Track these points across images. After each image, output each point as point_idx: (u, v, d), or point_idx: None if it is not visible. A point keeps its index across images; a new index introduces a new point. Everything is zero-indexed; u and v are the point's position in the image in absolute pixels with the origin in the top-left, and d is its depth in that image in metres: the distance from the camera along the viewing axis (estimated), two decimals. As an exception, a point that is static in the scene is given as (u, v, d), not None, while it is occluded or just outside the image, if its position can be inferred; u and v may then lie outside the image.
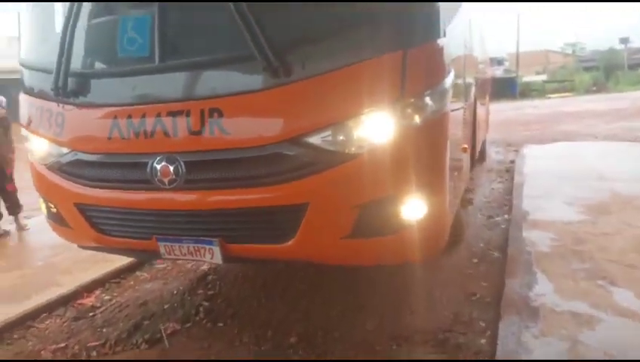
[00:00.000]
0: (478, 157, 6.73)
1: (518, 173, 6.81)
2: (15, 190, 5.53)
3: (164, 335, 3.01)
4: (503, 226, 4.79)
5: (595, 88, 42.60)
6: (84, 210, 2.76)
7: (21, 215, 5.59)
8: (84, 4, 2.51)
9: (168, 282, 3.92)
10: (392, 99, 2.16)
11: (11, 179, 5.49)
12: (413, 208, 2.30)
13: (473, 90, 4.35)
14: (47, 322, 3.30)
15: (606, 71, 50.05)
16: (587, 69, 53.60)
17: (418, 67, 2.19)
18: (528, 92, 44.19)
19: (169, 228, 2.57)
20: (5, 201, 5.46)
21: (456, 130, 3.01)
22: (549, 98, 37.76)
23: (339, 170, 2.23)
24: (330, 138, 2.22)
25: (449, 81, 2.43)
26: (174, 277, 4.02)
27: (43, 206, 3.11)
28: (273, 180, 2.30)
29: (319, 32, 2.23)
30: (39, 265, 4.26)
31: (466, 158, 3.69)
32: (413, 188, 2.27)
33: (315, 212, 2.30)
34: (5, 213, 5.49)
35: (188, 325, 3.15)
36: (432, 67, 2.30)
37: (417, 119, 2.21)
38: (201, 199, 2.43)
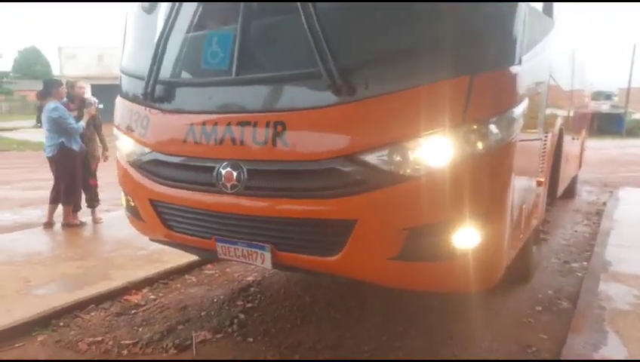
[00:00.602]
0: (564, 194, 6.43)
1: (607, 218, 6.12)
2: (96, 185, 5.96)
3: (193, 342, 3.00)
4: (579, 274, 4.28)
5: None
6: (157, 205, 3.00)
7: (98, 208, 6.00)
8: (177, 20, 2.77)
9: (213, 289, 3.94)
10: (454, 123, 2.13)
11: (95, 175, 5.93)
12: (467, 237, 2.23)
13: (559, 122, 4.17)
14: (92, 314, 3.42)
15: None
16: None
17: (484, 93, 2.14)
18: (637, 130, 40.37)
19: (227, 229, 2.72)
20: (86, 194, 5.89)
21: (528, 161, 2.93)
22: (661, 139, 34.18)
23: (391, 191, 2.23)
24: (386, 158, 2.24)
25: (519, 110, 2.33)
26: (219, 285, 4.04)
27: (124, 199, 3.41)
28: (326, 194, 2.36)
29: (384, 53, 2.28)
30: (100, 258, 4.48)
31: (541, 193, 3.50)
32: (468, 217, 2.20)
33: (363, 229, 2.32)
34: (84, 205, 5.92)
35: (219, 336, 3.11)
36: (499, 94, 2.22)
37: (479, 146, 2.16)
38: (257, 205, 2.55)
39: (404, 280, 2.47)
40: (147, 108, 2.95)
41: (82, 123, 5.57)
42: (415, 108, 2.16)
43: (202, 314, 3.42)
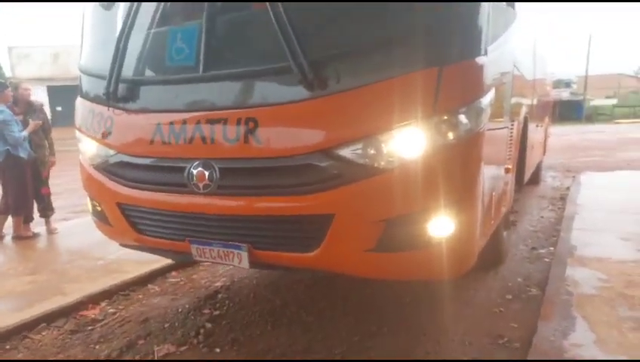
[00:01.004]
0: (529, 180, 6.60)
1: (571, 203, 6.21)
2: (49, 193, 5.65)
3: (155, 357, 2.83)
4: (547, 260, 4.30)
5: (669, 114, 39.69)
6: (125, 209, 2.92)
7: (53, 218, 5.70)
8: (138, 16, 2.66)
9: (177, 298, 3.77)
10: (425, 115, 2.15)
11: (46, 183, 5.62)
12: (441, 225, 2.28)
13: (524, 110, 4.24)
14: (43, 333, 3.20)
15: (683, 97, 46.63)
16: (662, 94, 50.11)
17: (453, 84, 2.17)
18: (595, 116, 41.93)
19: (201, 231, 2.67)
20: (38, 204, 5.58)
21: (496, 149, 2.99)
22: (618, 123, 35.53)
23: (367, 184, 2.24)
24: (360, 151, 2.24)
25: (487, 99, 2.38)
26: (185, 293, 3.86)
27: (89, 204, 3.30)
28: (302, 190, 2.35)
29: (355, 46, 2.26)
30: (54, 271, 4.23)
31: (509, 180, 3.55)
32: (441, 206, 2.24)
33: (340, 223, 2.32)
34: (37, 215, 5.60)
35: (183, 348, 2.95)
36: (468, 85, 2.26)
37: (450, 136, 2.20)
38: (231, 205, 2.51)
39: (382, 271, 2.49)
40: (110, 109, 2.82)
41: (25, 133, 5.24)
42: (387, 100, 2.16)
43: (165, 325, 3.25)
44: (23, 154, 5.22)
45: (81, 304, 3.54)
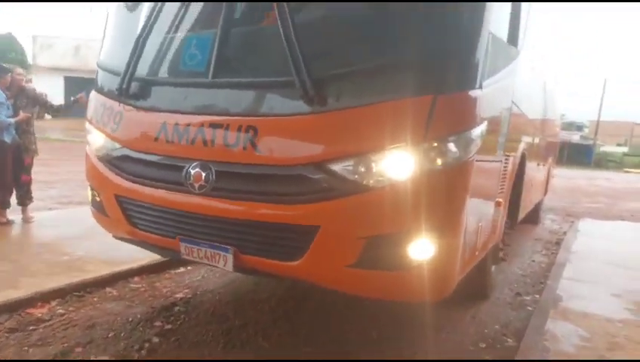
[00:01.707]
0: (528, 219, 6.65)
1: (565, 249, 5.97)
2: (29, 181, 5.50)
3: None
4: (530, 308, 4.07)
5: (680, 169, 39.27)
6: (122, 201, 3.01)
7: (31, 207, 5.54)
8: (158, 19, 2.81)
9: (133, 305, 3.57)
10: (416, 140, 2.22)
11: (28, 170, 5.47)
12: (421, 249, 2.32)
13: (522, 147, 4.23)
14: (-19, 329, 3.01)
15: (696, 152, 46.22)
16: (675, 148, 49.70)
17: (446, 113, 2.24)
18: (605, 162, 41.60)
19: (192, 230, 2.73)
20: (17, 191, 5.43)
21: (486, 182, 3.03)
22: (627, 172, 35.16)
23: (353, 200, 2.31)
24: (351, 168, 2.31)
25: (478, 131, 2.43)
26: (142, 301, 3.66)
27: (90, 193, 3.39)
28: (291, 199, 2.41)
29: (356, 68, 2.35)
30: (15, 263, 4.05)
31: (499, 214, 3.55)
32: (423, 229, 2.28)
33: (324, 236, 2.37)
34: (15, 202, 5.45)
35: (122, 363, 2.75)
36: (460, 115, 2.33)
37: (438, 162, 2.26)
38: (223, 207, 2.58)
39: (361, 288, 2.53)
40: (121, 104, 2.95)
41: (12, 120, 5.13)
42: (381, 122, 2.24)
43: (110, 334, 3.05)
44: (7, 139, 5.10)
45: (31, 301, 3.34)
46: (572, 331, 3.36)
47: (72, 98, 5.55)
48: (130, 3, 3.23)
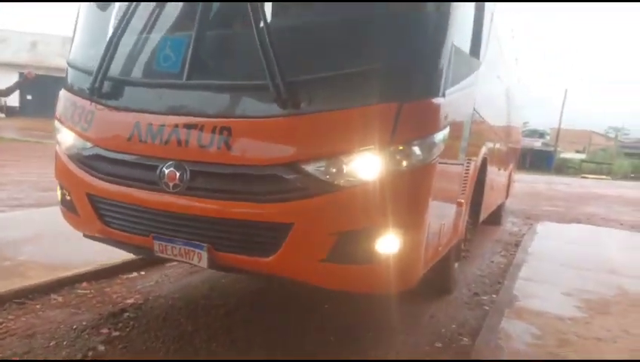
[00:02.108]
0: (490, 220, 7.06)
1: (522, 251, 6.10)
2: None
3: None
4: (486, 308, 4.11)
5: (633, 175, 41.09)
6: (94, 200, 3.02)
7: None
8: (131, 19, 2.83)
9: (79, 312, 3.39)
10: (383, 143, 2.37)
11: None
12: (388, 243, 2.46)
13: (483, 151, 4.42)
14: None
15: (648, 160, 48.49)
16: (628, 155, 52.08)
17: (410, 119, 2.40)
18: (564, 168, 43.13)
19: (165, 228, 2.77)
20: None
21: (448, 183, 3.20)
22: (584, 178, 36.52)
23: (325, 198, 2.43)
24: (323, 168, 2.43)
25: (440, 136, 2.58)
26: (89, 307, 3.49)
27: (59, 192, 3.39)
28: (265, 198, 2.51)
29: (328, 75, 2.46)
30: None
31: (461, 213, 3.76)
32: (389, 225, 2.43)
33: (297, 232, 2.48)
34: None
35: (62, 372, 2.60)
36: (423, 121, 2.49)
37: (404, 164, 2.42)
38: (198, 205, 2.64)
39: (332, 281, 2.62)
40: (92, 103, 2.96)
41: None
42: (351, 126, 2.38)
43: (52, 343, 2.88)
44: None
45: (-35, 309, 3.13)
46: (525, 329, 3.40)
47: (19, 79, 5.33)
48: (101, 2, 3.22)
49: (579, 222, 9.89)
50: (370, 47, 2.52)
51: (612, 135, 75.91)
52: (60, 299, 3.60)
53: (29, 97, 25.47)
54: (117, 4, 3.12)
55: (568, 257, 5.86)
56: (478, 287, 4.72)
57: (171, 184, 2.67)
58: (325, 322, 3.51)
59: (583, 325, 3.54)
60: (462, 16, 2.79)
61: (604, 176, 39.72)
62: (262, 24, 2.45)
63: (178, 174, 2.65)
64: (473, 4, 3.17)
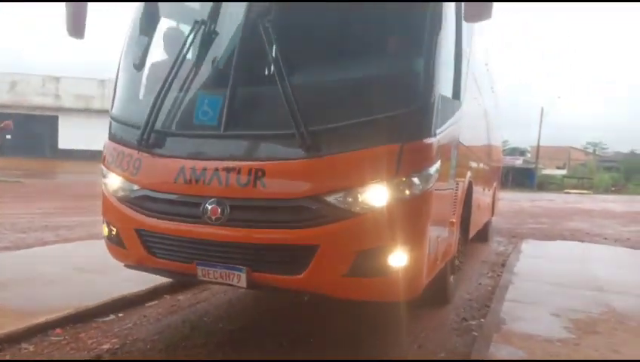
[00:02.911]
0: (478, 237, 7.63)
1: (508, 272, 6.06)
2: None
3: None
4: (474, 333, 4.04)
5: (614, 189, 41.86)
6: (142, 234, 3.43)
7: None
8: (173, 80, 3.33)
9: (51, 362, 3.23)
10: (389, 176, 2.89)
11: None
12: (397, 258, 2.94)
13: (468, 175, 4.96)
14: None
15: (626, 173, 49.57)
16: (607, 169, 53.18)
17: (410, 156, 2.93)
18: (547, 185, 43.78)
19: (208, 255, 3.20)
20: None
21: (442, 205, 3.68)
22: (567, 193, 37.05)
23: (344, 223, 2.91)
24: (341, 198, 2.92)
25: (434, 168, 3.09)
26: (63, 355, 3.30)
27: (105, 229, 3.77)
28: (294, 225, 2.97)
29: (343, 123, 2.96)
30: None
31: (454, 231, 4.24)
32: (398, 243, 2.93)
33: (323, 252, 2.93)
34: None
35: None
36: (420, 157, 3.02)
37: (407, 193, 2.94)
38: (237, 234, 3.08)
39: (352, 293, 3.07)
40: (140, 152, 3.40)
41: None
42: (363, 164, 2.89)
43: (19, 397, 2.73)
44: None
45: None
46: (513, 354, 3.33)
47: None
48: (138, 63, 3.75)
49: (563, 238, 9.96)
50: (376, 101, 3.05)
51: (590, 150, 77.53)
52: (32, 348, 3.42)
53: (8, 137, 25.24)
54: (155, 64, 3.73)
55: (554, 275, 5.85)
56: (467, 312, 4.65)
57: (214, 217, 3.08)
58: (314, 354, 3.41)
59: (572, 347, 3.48)
60: (445, 71, 3.32)
61: (586, 191, 40.38)
62: (287, 83, 2.98)
63: (219, 209, 3.07)
64: (453, 56, 3.71)
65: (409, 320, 3.94)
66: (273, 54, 3.11)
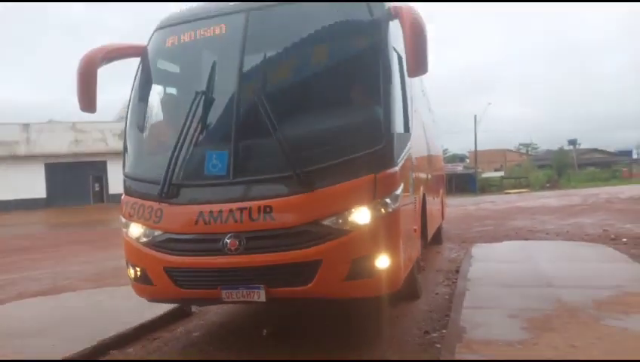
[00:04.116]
0: (434, 240, 8.84)
1: (462, 278, 6.16)
2: None
3: None
4: (438, 346, 4.04)
5: (549, 185, 44.42)
6: (169, 271, 3.98)
7: None
8: (184, 139, 3.96)
9: None
10: (369, 200, 3.69)
11: None
12: (381, 262, 3.73)
13: (422, 189, 5.91)
14: None
15: (558, 169, 52.86)
16: (541, 167, 56.41)
17: (382, 183, 3.75)
18: (488, 187, 45.69)
19: (230, 279, 3.84)
20: None
21: (408, 217, 4.52)
22: (507, 193, 38.83)
23: (340, 240, 3.65)
24: (335, 221, 3.67)
25: (400, 189, 3.93)
26: None
27: (131, 271, 4.30)
28: (300, 246, 3.66)
29: (331, 163, 3.73)
30: None
31: (417, 236, 5.27)
32: (381, 250, 3.73)
33: (326, 265, 3.64)
34: None
35: None
36: (389, 183, 3.83)
37: (383, 211, 3.75)
38: (254, 259, 3.74)
39: (350, 293, 3.81)
40: (161, 203, 3.99)
41: None
42: (349, 192, 3.68)
43: None
44: None
45: None
46: (478, 362, 3.35)
47: None
48: (143, 129, 4.54)
49: (510, 238, 10.33)
50: (352, 144, 3.80)
51: (524, 151, 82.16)
52: None
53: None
54: (159, 127, 4.68)
55: (506, 277, 6.03)
56: (428, 324, 4.68)
57: (233, 248, 3.73)
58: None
59: (531, 346, 3.55)
60: (398, 113, 4.18)
61: (524, 189, 42.51)
62: (282, 135, 3.69)
63: (237, 241, 3.72)
64: (402, 99, 4.49)
65: (372, 339, 3.88)
66: (268, 113, 3.75)
